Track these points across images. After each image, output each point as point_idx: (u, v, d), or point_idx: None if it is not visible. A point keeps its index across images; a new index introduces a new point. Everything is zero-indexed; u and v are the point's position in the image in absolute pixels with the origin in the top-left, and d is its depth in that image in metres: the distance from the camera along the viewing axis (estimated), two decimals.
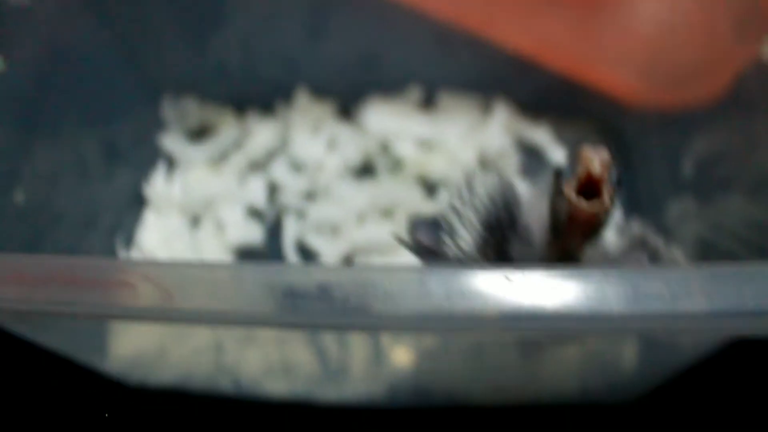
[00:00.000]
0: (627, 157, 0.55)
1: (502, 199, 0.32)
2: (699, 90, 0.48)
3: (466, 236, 0.31)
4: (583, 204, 0.26)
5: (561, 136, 0.57)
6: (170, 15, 0.54)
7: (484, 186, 0.33)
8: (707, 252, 0.45)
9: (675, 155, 0.49)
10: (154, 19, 0.54)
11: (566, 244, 0.29)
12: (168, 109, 0.58)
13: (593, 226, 0.28)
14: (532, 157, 0.56)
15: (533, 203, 0.35)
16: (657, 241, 0.36)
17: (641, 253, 0.35)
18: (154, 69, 0.57)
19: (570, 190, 0.26)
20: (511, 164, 0.55)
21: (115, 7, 0.51)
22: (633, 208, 0.52)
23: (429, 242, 0.31)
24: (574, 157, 0.27)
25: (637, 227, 0.37)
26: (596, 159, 0.26)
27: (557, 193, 0.28)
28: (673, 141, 0.51)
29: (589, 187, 0.26)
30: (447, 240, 0.31)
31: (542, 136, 0.56)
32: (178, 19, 0.55)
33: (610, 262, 0.33)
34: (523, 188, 0.36)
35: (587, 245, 0.30)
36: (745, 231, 0.42)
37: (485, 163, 0.55)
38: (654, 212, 0.51)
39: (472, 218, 0.31)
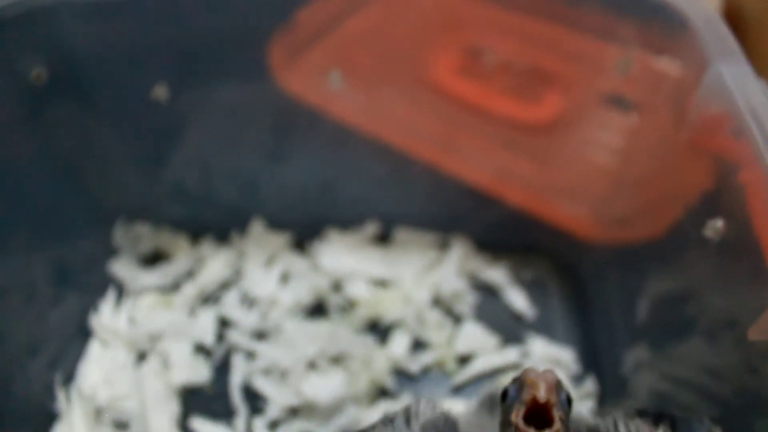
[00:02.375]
0: (584, 298, 0.54)
1: None
2: (647, 228, 0.48)
3: None
4: None
5: (518, 275, 0.56)
6: (119, 136, 0.53)
7: (420, 419, 0.31)
8: (663, 404, 0.45)
9: (631, 297, 0.49)
10: (100, 138, 0.53)
11: None
12: (120, 234, 0.57)
13: None
14: (488, 297, 0.55)
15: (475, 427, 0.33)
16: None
17: None
18: (103, 192, 0.55)
19: (518, 419, 0.25)
20: (466, 304, 0.54)
21: (55, 123, 0.50)
22: (590, 356, 0.51)
23: None
24: (519, 380, 0.26)
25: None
26: (542, 384, 0.25)
27: (505, 423, 0.26)
28: (628, 281, 0.50)
29: (538, 413, 0.25)
30: None
31: (499, 275, 0.56)
32: (129, 140, 0.54)
33: None
34: (461, 414, 0.35)
35: None
36: (700, 379, 0.41)
37: (439, 302, 0.54)
38: (611, 360, 0.50)
39: None
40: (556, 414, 0.25)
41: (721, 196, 0.36)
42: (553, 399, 0.25)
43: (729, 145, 0.36)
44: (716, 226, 0.34)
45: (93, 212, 0.56)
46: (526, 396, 0.25)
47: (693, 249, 0.39)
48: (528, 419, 0.25)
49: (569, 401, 0.27)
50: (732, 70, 0.35)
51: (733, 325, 0.35)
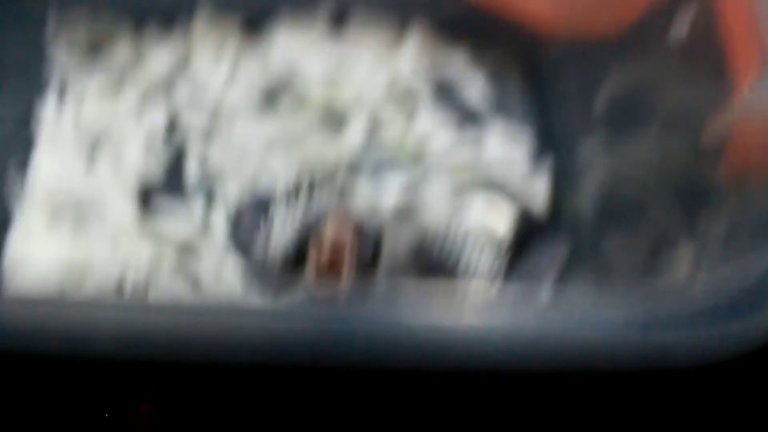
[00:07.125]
0: (542, 92, 0.54)
1: None
2: (612, 19, 0.47)
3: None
4: None
5: (476, 67, 0.54)
6: None
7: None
8: (608, 201, 0.46)
9: (589, 91, 0.49)
10: None
11: None
12: (56, 21, 0.53)
13: None
14: (445, 88, 0.54)
15: None
16: None
17: None
18: None
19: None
20: (422, 95, 0.53)
21: None
22: (545, 146, 0.52)
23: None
24: None
25: None
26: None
27: None
28: (588, 75, 0.50)
29: None
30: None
31: (456, 66, 0.54)
32: None
33: None
34: None
35: None
36: (648, 178, 0.42)
37: (395, 91, 0.53)
38: (564, 153, 0.50)
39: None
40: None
41: None
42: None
43: None
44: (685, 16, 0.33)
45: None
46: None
47: (658, 39, 0.38)
48: None
49: None
50: None
51: (685, 125, 0.35)
